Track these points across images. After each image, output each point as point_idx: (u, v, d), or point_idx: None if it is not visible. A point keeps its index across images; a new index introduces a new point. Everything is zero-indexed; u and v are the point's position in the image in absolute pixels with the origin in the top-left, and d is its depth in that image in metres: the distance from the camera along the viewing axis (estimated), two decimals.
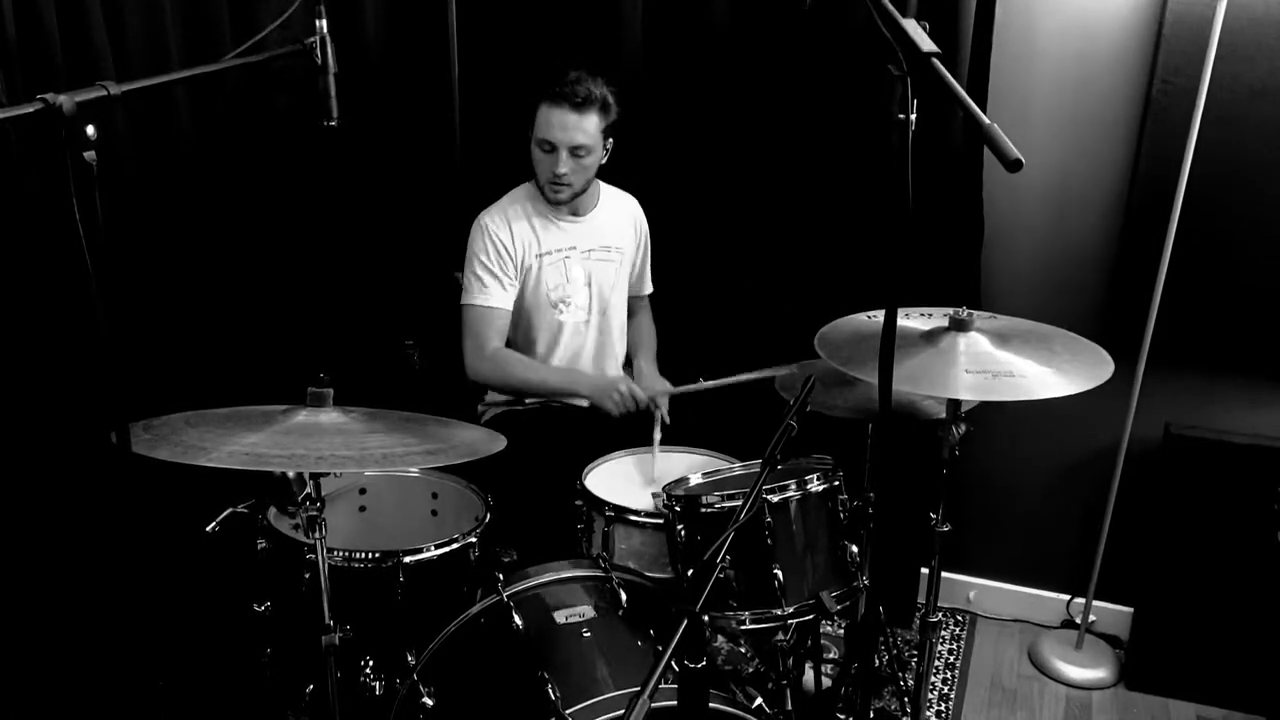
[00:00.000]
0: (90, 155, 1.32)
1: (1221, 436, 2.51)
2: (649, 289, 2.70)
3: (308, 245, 2.54)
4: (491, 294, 2.38)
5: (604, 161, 2.40)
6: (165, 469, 1.44)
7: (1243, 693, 2.59)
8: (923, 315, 2.03)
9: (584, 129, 2.28)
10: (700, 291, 2.79)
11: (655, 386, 2.47)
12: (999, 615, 3.00)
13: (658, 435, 2.29)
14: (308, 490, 1.60)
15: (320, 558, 1.63)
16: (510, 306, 2.42)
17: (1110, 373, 1.82)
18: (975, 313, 1.93)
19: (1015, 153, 1.22)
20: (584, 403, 2.50)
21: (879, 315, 1.52)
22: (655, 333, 2.69)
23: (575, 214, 2.46)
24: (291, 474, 1.57)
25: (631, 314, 2.67)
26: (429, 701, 1.74)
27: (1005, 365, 1.82)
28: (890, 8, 1.32)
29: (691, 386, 2.41)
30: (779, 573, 1.78)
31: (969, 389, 1.78)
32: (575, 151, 2.29)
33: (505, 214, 2.41)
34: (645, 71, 2.66)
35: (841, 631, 2.68)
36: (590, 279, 2.48)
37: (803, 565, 1.83)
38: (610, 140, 2.37)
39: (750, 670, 2.07)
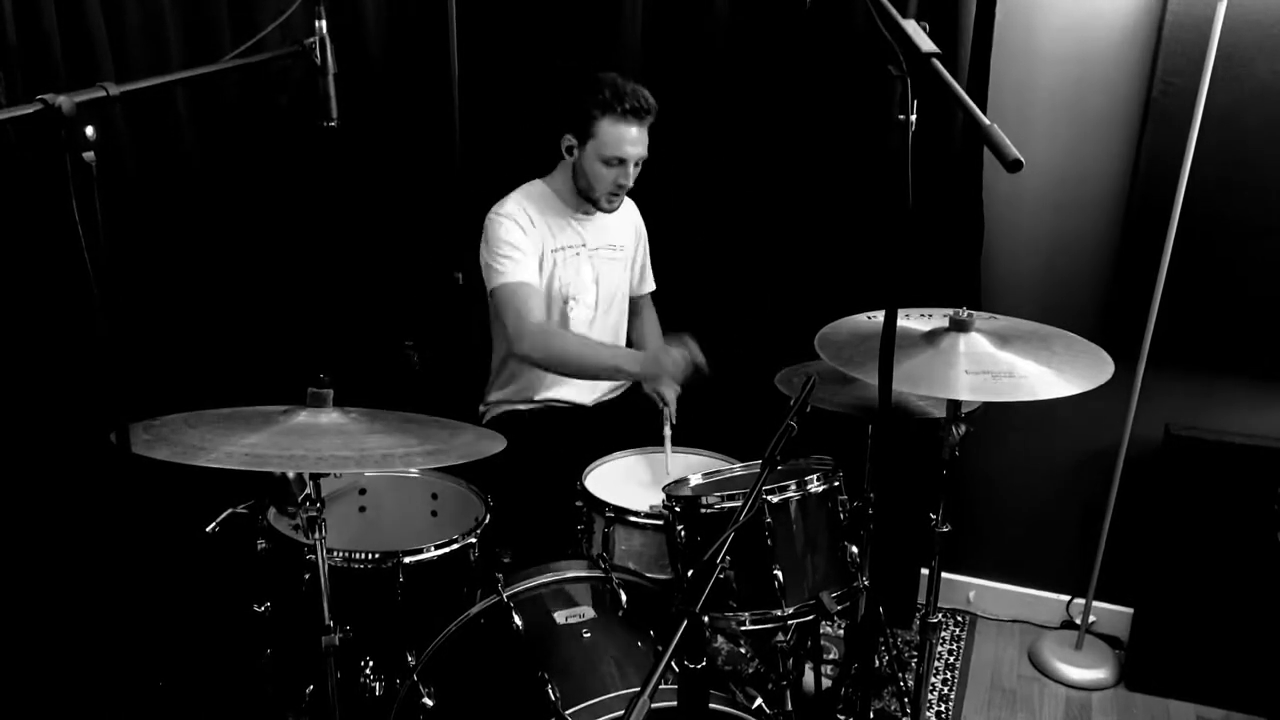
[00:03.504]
0: (90, 156, 1.32)
1: (1221, 437, 2.51)
2: (651, 287, 2.71)
3: (308, 245, 2.54)
4: (525, 270, 2.32)
5: None
6: (165, 469, 1.44)
7: (1243, 693, 2.59)
8: (923, 316, 2.03)
9: (645, 140, 2.32)
10: (700, 292, 2.79)
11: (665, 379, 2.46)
12: (999, 616, 3.00)
13: (668, 433, 2.30)
14: (307, 491, 1.60)
15: (320, 558, 1.63)
16: (542, 287, 2.38)
17: (1110, 373, 1.82)
18: (975, 313, 1.93)
19: (1015, 153, 1.22)
20: (588, 401, 2.51)
21: (879, 316, 1.51)
22: (660, 332, 2.70)
23: (585, 212, 2.47)
24: (291, 474, 1.57)
25: (636, 313, 2.67)
26: (429, 702, 1.74)
27: (1005, 366, 1.82)
28: (890, 8, 1.32)
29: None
30: (779, 573, 1.78)
31: (969, 389, 1.78)
32: (638, 162, 2.34)
33: (521, 205, 2.39)
34: (645, 72, 2.66)
35: (841, 632, 2.68)
36: (598, 277, 2.48)
37: (803, 566, 1.83)
38: None
39: (750, 671, 2.07)
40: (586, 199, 2.39)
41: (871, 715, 2.41)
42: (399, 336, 2.61)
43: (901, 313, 1.97)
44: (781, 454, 1.58)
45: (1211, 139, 2.36)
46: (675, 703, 1.25)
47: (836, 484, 1.89)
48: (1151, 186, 2.47)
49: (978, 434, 2.02)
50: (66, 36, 1.93)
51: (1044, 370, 1.81)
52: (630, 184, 2.35)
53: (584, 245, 2.46)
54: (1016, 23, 2.51)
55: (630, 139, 2.28)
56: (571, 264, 2.44)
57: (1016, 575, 2.98)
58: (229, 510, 1.88)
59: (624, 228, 2.56)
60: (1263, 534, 2.47)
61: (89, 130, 1.32)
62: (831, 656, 2.60)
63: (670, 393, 2.41)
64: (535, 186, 2.46)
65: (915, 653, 2.72)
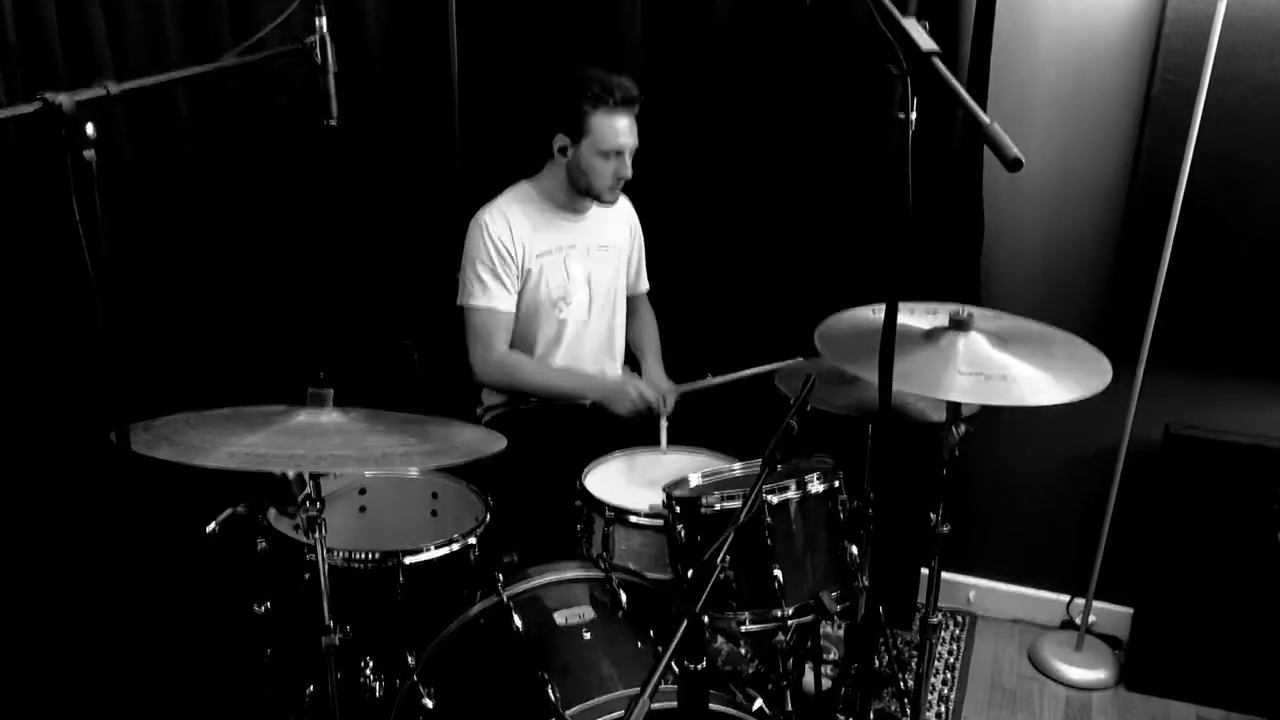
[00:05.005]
0: (90, 154, 1.31)
1: (1221, 436, 2.51)
2: (645, 286, 2.71)
3: (307, 245, 2.54)
4: (495, 296, 2.38)
5: None
6: (165, 469, 1.44)
7: (1243, 693, 2.59)
8: (929, 313, 2.01)
9: (636, 129, 2.34)
10: (700, 290, 2.79)
11: (661, 386, 2.48)
12: (999, 616, 3.00)
13: (664, 435, 2.30)
14: (308, 490, 1.60)
15: (320, 558, 1.63)
16: (513, 309, 2.42)
17: (1108, 381, 1.79)
18: (979, 311, 1.92)
19: (1015, 152, 1.22)
20: (585, 400, 2.51)
21: (881, 310, 1.49)
22: (658, 330, 2.70)
23: (576, 211, 2.47)
24: (291, 474, 1.57)
25: (633, 313, 2.67)
26: (429, 702, 1.74)
27: (1001, 369, 1.78)
28: (890, 6, 1.32)
29: (699, 384, 2.43)
30: (779, 573, 1.78)
31: (962, 391, 1.75)
32: (631, 152, 2.35)
33: (504, 213, 2.41)
34: (645, 70, 2.66)
35: (841, 632, 2.68)
36: (590, 277, 2.48)
37: (803, 566, 1.83)
38: None
39: (750, 671, 2.07)
40: (586, 195, 2.40)
41: (871, 715, 2.41)
42: (399, 336, 2.61)
43: (906, 307, 1.95)
44: (781, 454, 1.58)
45: (1211, 137, 2.36)
46: (675, 703, 1.25)
47: (836, 484, 1.89)
48: (1151, 185, 2.47)
49: (978, 434, 2.01)
50: (66, 35, 1.93)
51: (1040, 375, 1.77)
52: (629, 174, 2.36)
53: (573, 246, 2.46)
54: (1017, 21, 2.51)
55: (624, 129, 2.31)
56: (559, 267, 2.44)
57: (1016, 575, 2.99)
58: (229, 510, 1.88)
59: (617, 225, 2.56)
60: (1263, 534, 2.47)
61: (89, 128, 1.31)
62: (831, 656, 2.60)
63: (670, 397, 2.42)
64: (521, 189, 2.46)
65: (915, 653, 2.71)
